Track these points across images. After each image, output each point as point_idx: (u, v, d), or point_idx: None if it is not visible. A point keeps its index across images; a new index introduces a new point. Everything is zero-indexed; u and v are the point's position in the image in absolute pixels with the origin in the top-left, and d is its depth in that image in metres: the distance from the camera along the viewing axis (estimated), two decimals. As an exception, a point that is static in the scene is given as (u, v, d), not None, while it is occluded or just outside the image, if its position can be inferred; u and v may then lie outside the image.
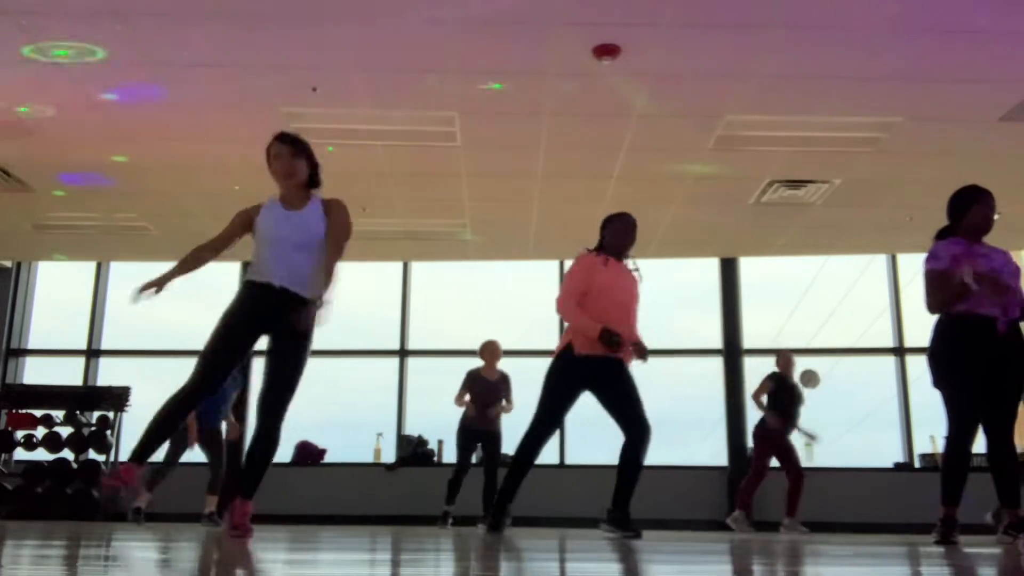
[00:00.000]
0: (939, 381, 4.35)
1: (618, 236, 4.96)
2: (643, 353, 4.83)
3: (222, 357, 3.86)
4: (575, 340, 4.77)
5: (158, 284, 3.89)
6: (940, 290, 4.30)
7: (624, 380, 4.81)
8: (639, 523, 4.74)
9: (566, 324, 4.99)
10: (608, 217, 5.07)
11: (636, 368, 4.91)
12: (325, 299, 3.81)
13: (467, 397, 7.77)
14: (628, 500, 4.73)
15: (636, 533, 4.62)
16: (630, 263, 5.01)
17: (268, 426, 3.88)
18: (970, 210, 4.41)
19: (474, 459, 7.95)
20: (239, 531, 3.80)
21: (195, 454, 7.70)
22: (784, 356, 7.95)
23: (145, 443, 3.91)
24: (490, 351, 7.91)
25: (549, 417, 4.86)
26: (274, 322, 3.88)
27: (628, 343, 4.76)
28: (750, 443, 9.20)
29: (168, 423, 3.86)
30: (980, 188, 4.44)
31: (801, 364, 8.19)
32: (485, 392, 7.75)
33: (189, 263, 4.02)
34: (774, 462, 7.66)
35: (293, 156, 4.04)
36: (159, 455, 7.26)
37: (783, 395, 7.75)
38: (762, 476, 7.66)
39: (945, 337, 4.32)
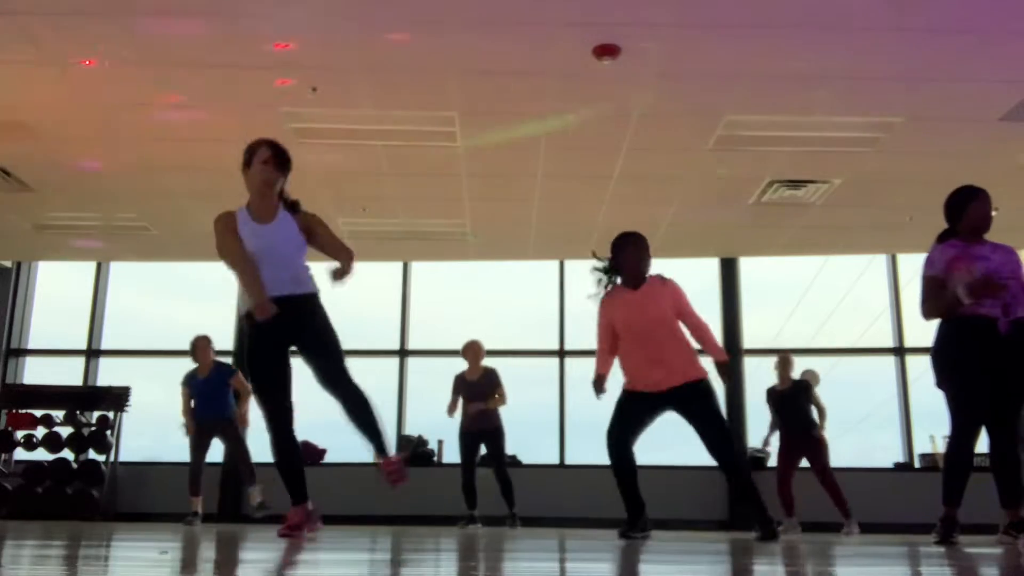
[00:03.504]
0: (942, 381, 4.35)
1: (628, 265, 4.77)
2: (727, 372, 4.69)
3: (275, 390, 3.98)
4: (625, 379, 4.77)
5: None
6: (934, 298, 4.31)
7: (697, 404, 4.63)
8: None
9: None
10: (613, 244, 4.84)
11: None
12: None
13: (460, 403, 7.78)
14: (747, 499, 4.61)
15: (771, 534, 4.47)
16: (656, 278, 4.79)
17: (346, 392, 3.97)
18: (967, 210, 4.41)
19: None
20: (292, 529, 3.91)
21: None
22: (780, 358, 7.91)
23: (291, 486, 4.06)
24: (472, 351, 7.90)
25: (614, 416, 4.72)
26: (289, 331, 3.95)
27: (687, 367, 4.66)
28: (751, 444, 9.22)
29: (289, 458, 4.03)
30: (975, 187, 4.44)
31: (801, 364, 8.16)
32: (471, 393, 7.76)
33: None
34: (804, 463, 7.65)
35: (279, 168, 4.04)
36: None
37: (778, 407, 7.75)
38: (781, 478, 7.64)
39: (948, 337, 4.32)
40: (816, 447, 7.50)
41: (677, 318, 4.75)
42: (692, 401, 4.62)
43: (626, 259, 4.77)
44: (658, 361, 4.62)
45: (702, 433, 4.62)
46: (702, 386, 4.63)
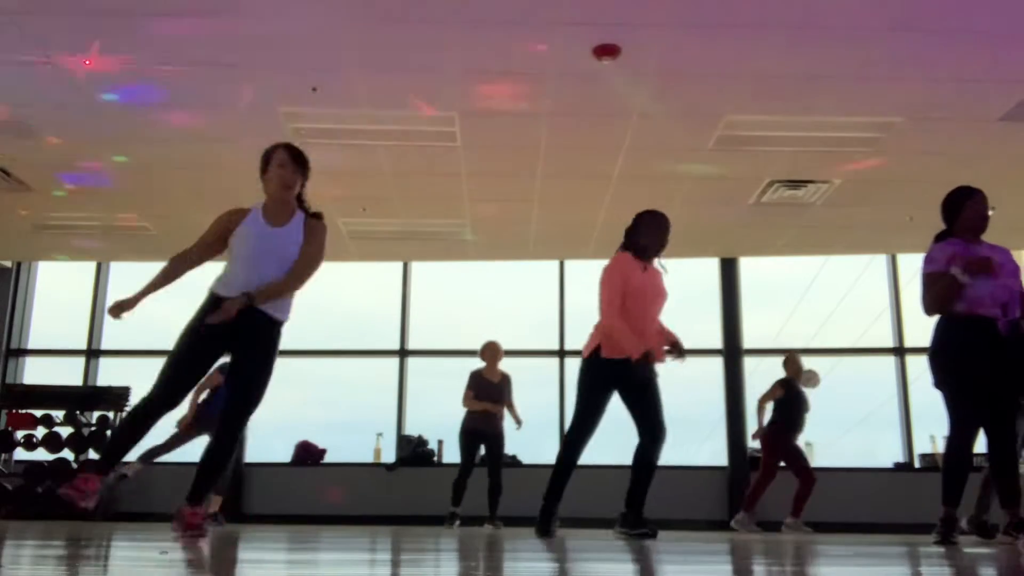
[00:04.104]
0: (940, 381, 4.35)
1: (652, 237, 4.87)
2: (681, 352, 4.83)
3: (184, 372, 3.87)
4: (604, 344, 4.73)
5: (130, 305, 3.89)
6: (934, 289, 4.31)
7: (651, 383, 4.76)
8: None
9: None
10: (640, 214, 4.95)
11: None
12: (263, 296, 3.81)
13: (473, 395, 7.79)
14: (641, 501, 4.70)
15: (650, 532, 4.59)
16: (657, 263, 4.94)
17: (224, 437, 3.90)
18: (964, 210, 4.42)
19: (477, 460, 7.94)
20: (194, 531, 3.82)
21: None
22: (793, 359, 7.94)
23: (108, 453, 3.99)
24: (491, 352, 7.91)
25: (585, 417, 4.80)
26: (238, 337, 3.84)
27: (660, 347, 4.81)
28: (751, 444, 9.22)
29: (129, 436, 3.93)
30: (971, 187, 4.46)
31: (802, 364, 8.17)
32: (487, 393, 7.77)
33: (168, 275, 3.99)
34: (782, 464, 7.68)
35: (296, 170, 4.00)
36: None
37: (792, 401, 7.75)
38: (771, 478, 7.65)
39: (946, 337, 4.33)
40: (800, 451, 7.63)
41: None
42: (648, 374, 4.73)
43: (649, 233, 4.87)
44: (642, 332, 4.72)
45: (644, 409, 4.72)
46: (655, 372, 4.82)
